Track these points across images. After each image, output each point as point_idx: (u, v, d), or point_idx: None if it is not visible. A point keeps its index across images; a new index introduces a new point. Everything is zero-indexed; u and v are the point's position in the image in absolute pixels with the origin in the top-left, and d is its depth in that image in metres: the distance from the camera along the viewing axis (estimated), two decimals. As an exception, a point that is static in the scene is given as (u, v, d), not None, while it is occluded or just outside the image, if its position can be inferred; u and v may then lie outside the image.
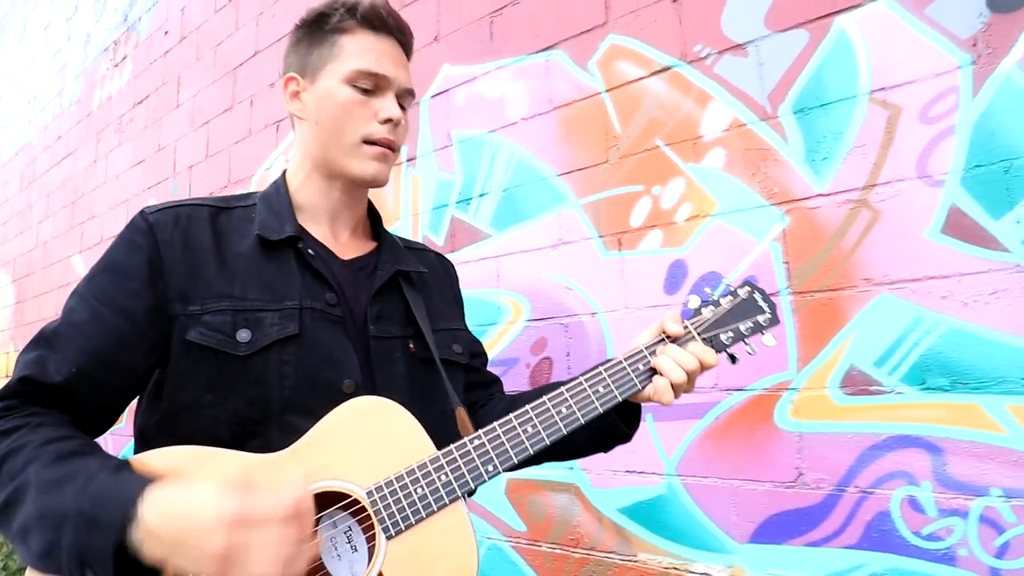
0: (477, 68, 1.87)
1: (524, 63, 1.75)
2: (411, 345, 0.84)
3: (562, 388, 0.77)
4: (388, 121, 0.81)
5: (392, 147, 0.83)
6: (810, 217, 1.27)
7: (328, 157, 0.82)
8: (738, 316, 0.83)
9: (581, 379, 0.77)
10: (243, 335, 0.73)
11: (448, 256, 1.07)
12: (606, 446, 0.90)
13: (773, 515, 1.27)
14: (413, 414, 0.73)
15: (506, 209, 1.76)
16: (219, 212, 0.82)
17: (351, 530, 0.70)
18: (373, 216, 0.94)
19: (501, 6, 1.83)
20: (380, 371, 0.79)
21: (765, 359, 1.29)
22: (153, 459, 0.68)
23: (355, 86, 0.81)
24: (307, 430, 0.70)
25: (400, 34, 0.86)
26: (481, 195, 1.83)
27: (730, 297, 0.84)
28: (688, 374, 0.77)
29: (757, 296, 0.84)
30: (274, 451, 0.70)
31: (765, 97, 1.34)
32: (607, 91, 1.58)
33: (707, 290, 0.86)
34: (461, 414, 0.81)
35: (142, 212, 0.79)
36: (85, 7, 4.37)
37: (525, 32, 1.76)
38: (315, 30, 0.84)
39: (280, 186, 0.86)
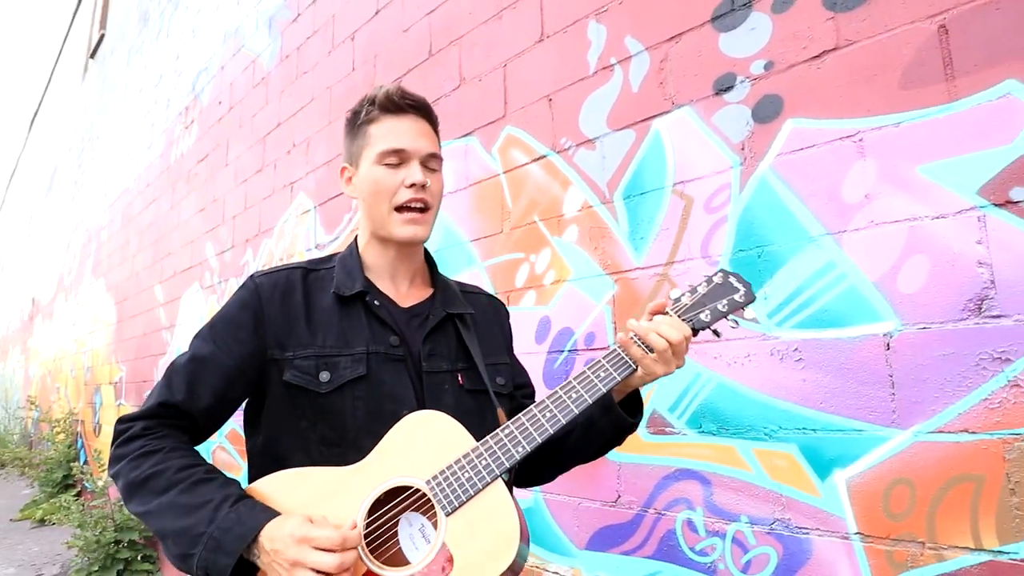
0: (420, 148, 2.26)
1: (451, 146, 2.12)
2: (460, 377, 0.99)
3: (571, 378, 0.89)
4: (413, 185, 0.95)
5: (423, 206, 0.97)
6: (631, 286, 1.55)
7: (376, 226, 0.99)
8: (714, 297, 0.93)
9: (585, 368, 0.90)
10: (324, 376, 0.91)
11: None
12: (619, 438, 1.02)
13: (602, 528, 1.55)
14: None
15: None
16: (309, 273, 1.01)
17: (423, 526, 0.85)
18: (431, 266, 1.10)
19: (439, 96, 2.21)
20: (431, 400, 0.94)
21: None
22: (264, 486, 0.89)
23: (384, 164, 0.96)
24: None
25: (416, 109, 1.00)
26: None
27: (705, 284, 0.95)
28: (668, 341, 0.88)
29: (732, 279, 0.95)
30: (351, 464, 0.88)
31: (605, 184, 1.63)
32: (504, 173, 1.92)
33: (689, 284, 0.98)
34: (501, 415, 0.97)
35: (252, 276, 0.99)
36: (168, 76, 5.22)
37: (453, 120, 2.13)
38: (353, 124, 1.01)
39: (353, 249, 1.05)
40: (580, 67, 1.72)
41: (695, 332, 0.93)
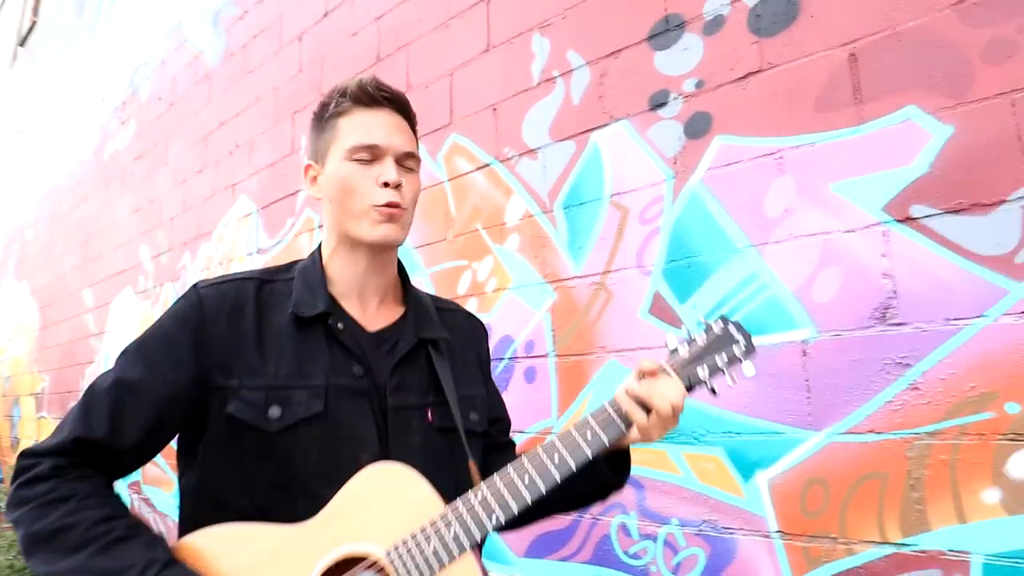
0: (366, 152, 2.24)
1: (396, 151, 2.11)
2: (429, 413, 0.87)
3: (554, 438, 0.80)
4: (387, 185, 0.84)
5: (397, 206, 0.85)
6: (569, 295, 1.58)
7: (344, 229, 0.86)
8: (713, 349, 0.83)
9: (571, 428, 0.80)
10: (274, 412, 0.79)
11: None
12: (602, 495, 0.92)
13: (540, 534, 1.56)
14: (428, 479, 0.76)
15: (382, 272, 2.12)
16: (263, 284, 0.87)
17: None
18: (404, 280, 0.96)
19: (385, 102, 2.20)
20: (395, 440, 0.83)
21: (535, 408, 1.59)
22: (196, 544, 0.76)
23: (354, 160, 0.84)
24: (329, 496, 0.75)
25: (392, 103, 0.89)
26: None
27: (704, 334, 0.85)
28: (673, 406, 0.77)
29: (731, 328, 0.85)
30: (300, 514, 0.75)
31: (546, 194, 1.66)
32: (448, 180, 1.93)
33: (685, 329, 0.88)
34: (473, 468, 0.85)
35: (195, 287, 0.85)
36: (105, 68, 4.98)
37: (399, 125, 2.12)
38: (320, 118, 0.90)
39: (316, 259, 0.91)
40: (524, 78, 1.75)
41: (689, 389, 0.81)
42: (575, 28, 1.66)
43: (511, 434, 1.06)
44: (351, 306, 0.88)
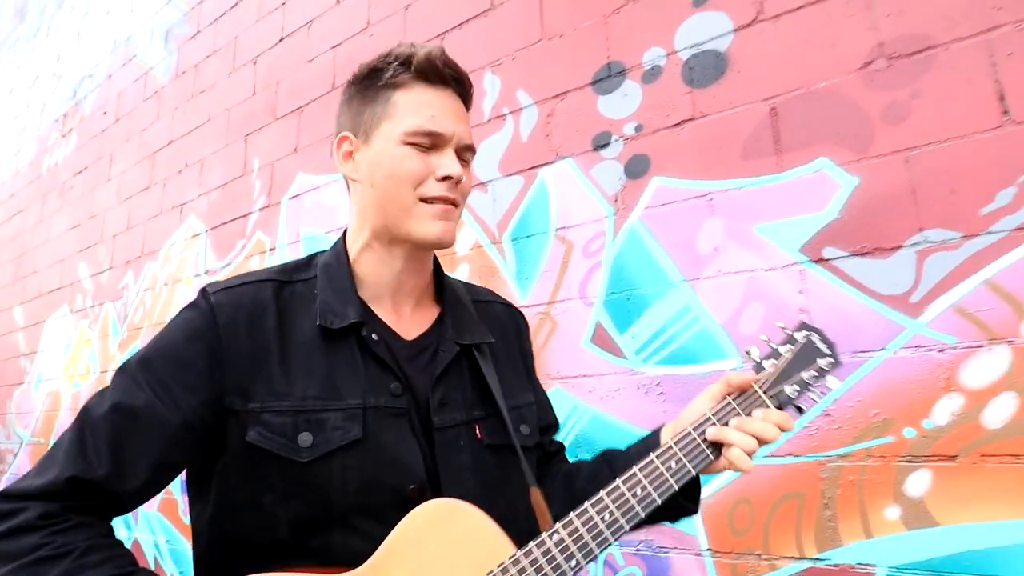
0: (321, 179, 2.26)
1: (351, 178, 2.15)
2: (477, 429, 0.77)
3: (634, 468, 0.71)
4: (447, 179, 0.74)
5: (455, 203, 0.76)
6: (517, 322, 1.64)
7: (388, 222, 0.75)
8: (801, 365, 0.78)
9: (653, 456, 0.72)
10: (304, 439, 0.67)
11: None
12: (672, 519, 0.83)
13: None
14: (483, 506, 0.68)
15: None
16: (282, 287, 0.75)
17: None
18: (439, 276, 0.85)
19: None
20: (444, 465, 0.73)
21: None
22: None
23: (411, 144, 0.73)
24: (369, 530, 0.66)
25: (458, 85, 0.79)
26: (319, 283, 2.19)
27: (790, 345, 0.80)
28: (768, 440, 0.72)
29: (815, 339, 0.80)
30: (336, 551, 0.66)
31: (495, 225, 1.73)
32: (402, 208, 1.97)
33: (763, 338, 0.82)
34: (536, 495, 0.75)
35: (204, 292, 0.72)
36: (46, 78, 4.80)
37: (354, 152, 2.16)
38: (368, 87, 0.77)
39: (341, 255, 0.78)
40: (476, 114, 1.82)
41: (780, 408, 0.76)
42: (525, 69, 1.75)
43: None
44: (384, 311, 0.78)
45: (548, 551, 0.66)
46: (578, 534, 0.67)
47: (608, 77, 1.59)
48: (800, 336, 0.81)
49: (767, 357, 0.80)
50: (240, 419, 0.68)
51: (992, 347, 1.08)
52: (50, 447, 0.67)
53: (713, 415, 0.75)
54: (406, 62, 0.75)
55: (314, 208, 2.27)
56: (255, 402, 0.68)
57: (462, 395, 0.78)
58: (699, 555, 1.31)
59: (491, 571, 0.65)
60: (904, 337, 1.16)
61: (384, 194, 0.75)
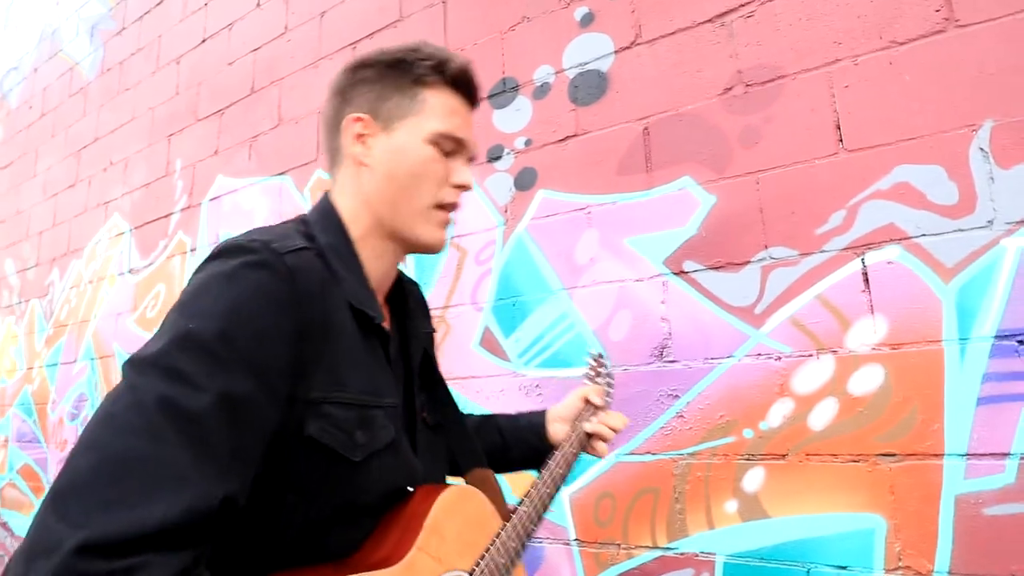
0: (239, 182, 2.28)
1: (267, 183, 2.17)
2: (424, 414, 0.78)
3: (556, 452, 0.92)
4: (461, 187, 0.74)
5: (454, 211, 0.76)
6: (415, 327, 1.71)
7: (395, 217, 0.72)
8: (605, 378, 1.10)
9: (565, 444, 0.96)
10: (361, 436, 0.61)
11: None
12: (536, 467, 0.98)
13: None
14: (432, 481, 0.73)
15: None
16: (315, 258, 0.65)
17: None
18: None
19: (257, 133, 2.25)
20: (426, 459, 0.74)
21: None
22: None
23: (436, 146, 0.72)
24: (366, 525, 0.64)
25: (477, 102, 0.80)
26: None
27: (605, 367, 1.11)
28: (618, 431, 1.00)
29: (606, 361, 1.13)
30: (332, 546, 0.61)
31: (399, 233, 1.79)
32: (313, 213, 2.01)
33: (592, 354, 1.13)
34: (489, 475, 0.84)
35: (271, 249, 0.57)
36: (-28, 67, 4.62)
37: (270, 158, 2.18)
38: (395, 76, 0.73)
39: (343, 235, 0.71)
40: (384, 123, 1.87)
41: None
42: (429, 81, 1.80)
43: None
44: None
45: (521, 517, 0.79)
46: (533, 501, 0.83)
47: (503, 92, 1.66)
48: (602, 359, 1.13)
49: (599, 376, 1.09)
50: (296, 409, 0.56)
51: (820, 356, 1.19)
52: (103, 457, 0.44)
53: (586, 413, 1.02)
54: (439, 65, 0.74)
55: (233, 211, 2.28)
56: (317, 391, 0.58)
57: (421, 383, 0.78)
58: (567, 544, 1.40)
59: (492, 540, 0.74)
60: (748, 346, 1.26)
61: (398, 190, 0.71)
